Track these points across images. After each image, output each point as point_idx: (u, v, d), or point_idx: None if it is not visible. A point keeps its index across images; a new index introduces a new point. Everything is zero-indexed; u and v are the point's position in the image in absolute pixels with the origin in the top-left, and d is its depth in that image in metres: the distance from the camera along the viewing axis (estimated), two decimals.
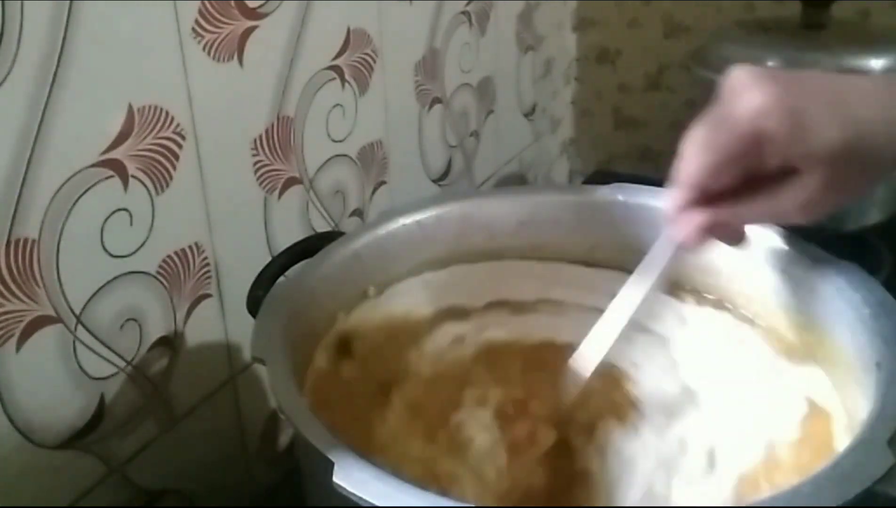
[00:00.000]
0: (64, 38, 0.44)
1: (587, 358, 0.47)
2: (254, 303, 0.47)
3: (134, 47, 0.48)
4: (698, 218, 0.43)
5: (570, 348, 0.48)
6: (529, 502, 0.46)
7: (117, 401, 0.51)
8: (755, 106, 0.39)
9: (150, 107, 0.49)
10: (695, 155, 0.42)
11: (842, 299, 0.45)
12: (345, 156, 0.67)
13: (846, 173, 0.40)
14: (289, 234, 0.62)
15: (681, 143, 0.43)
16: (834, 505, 0.33)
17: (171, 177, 0.51)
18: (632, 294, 0.47)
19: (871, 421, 0.37)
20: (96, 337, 0.49)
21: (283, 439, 0.65)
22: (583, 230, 0.57)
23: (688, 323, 0.54)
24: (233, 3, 0.53)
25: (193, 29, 0.51)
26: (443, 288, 0.56)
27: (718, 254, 0.51)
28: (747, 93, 0.40)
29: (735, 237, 0.45)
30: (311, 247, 0.52)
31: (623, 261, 0.54)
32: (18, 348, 0.44)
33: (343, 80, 0.65)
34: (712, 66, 0.82)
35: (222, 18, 0.53)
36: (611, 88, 1.10)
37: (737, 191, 0.42)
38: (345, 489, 0.34)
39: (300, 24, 0.59)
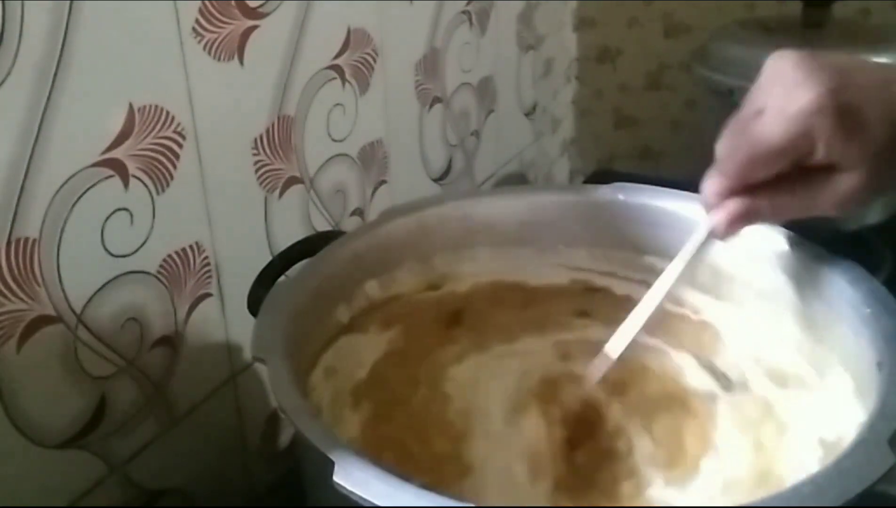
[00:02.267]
0: (64, 38, 0.44)
1: (617, 342, 0.48)
2: (255, 304, 0.47)
3: (134, 47, 0.48)
4: (735, 207, 0.43)
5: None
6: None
7: (117, 401, 0.51)
8: (810, 104, 0.39)
9: (150, 106, 0.49)
10: (741, 146, 0.42)
11: (842, 298, 0.45)
12: (345, 155, 0.67)
13: (888, 167, 0.40)
14: (289, 234, 0.62)
15: (724, 128, 0.43)
16: (834, 505, 0.32)
17: (171, 177, 0.51)
18: (664, 281, 0.47)
19: (872, 420, 0.37)
20: (97, 337, 0.49)
21: (284, 438, 0.65)
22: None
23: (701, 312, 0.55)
24: (233, 2, 0.53)
25: (194, 28, 0.51)
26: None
27: (723, 253, 0.51)
28: (801, 89, 0.40)
29: (762, 222, 0.45)
30: (311, 247, 0.52)
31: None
32: (19, 348, 0.44)
33: (343, 79, 0.65)
34: (712, 66, 0.82)
35: (223, 18, 0.53)
36: (611, 88, 1.10)
37: (774, 181, 0.42)
38: (345, 488, 0.34)
39: (300, 24, 0.59)
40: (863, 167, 0.40)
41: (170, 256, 0.53)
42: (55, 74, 0.44)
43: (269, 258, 0.53)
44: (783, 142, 0.40)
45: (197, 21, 0.51)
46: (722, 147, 0.43)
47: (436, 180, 0.81)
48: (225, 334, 0.58)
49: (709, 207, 0.44)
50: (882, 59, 0.72)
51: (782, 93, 0.40)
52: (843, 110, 0.39)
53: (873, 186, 0.41)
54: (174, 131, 0.51)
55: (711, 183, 0.43)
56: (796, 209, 0.43)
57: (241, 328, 0.58)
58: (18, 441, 0.45)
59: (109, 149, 0.47)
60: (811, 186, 0.41)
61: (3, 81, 0.41)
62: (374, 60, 0.68)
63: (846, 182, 0.40)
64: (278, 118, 0.59)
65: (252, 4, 0.55)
